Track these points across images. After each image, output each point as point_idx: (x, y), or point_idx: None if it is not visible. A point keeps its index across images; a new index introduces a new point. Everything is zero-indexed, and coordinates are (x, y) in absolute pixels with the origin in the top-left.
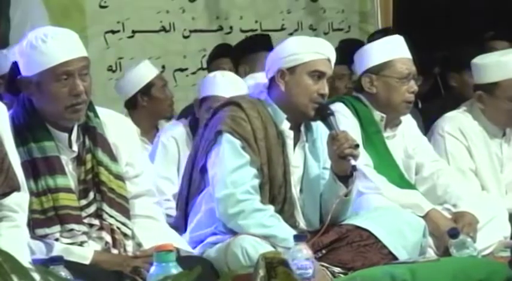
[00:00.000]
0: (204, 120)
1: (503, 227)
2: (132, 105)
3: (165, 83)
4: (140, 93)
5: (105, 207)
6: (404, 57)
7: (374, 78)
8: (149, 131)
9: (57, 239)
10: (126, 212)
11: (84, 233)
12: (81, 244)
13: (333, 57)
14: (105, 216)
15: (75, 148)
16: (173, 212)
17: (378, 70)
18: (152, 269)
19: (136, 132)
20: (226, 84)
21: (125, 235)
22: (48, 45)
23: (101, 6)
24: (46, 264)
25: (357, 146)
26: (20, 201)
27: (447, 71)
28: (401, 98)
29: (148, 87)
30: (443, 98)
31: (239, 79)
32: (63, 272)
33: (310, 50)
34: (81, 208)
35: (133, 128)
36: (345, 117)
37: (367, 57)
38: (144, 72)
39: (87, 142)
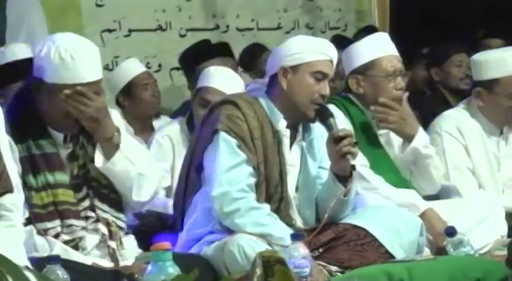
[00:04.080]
0: (196, 111)
1: (500, 226)
2: (119, 106)
3: (148, 81)
4: (121, 94)
5: (98, 203)
6: (389, 54)
7: (360, 79)
8: (143, 130)
9: (58, 234)
10: (119, 206)
11: (83, 228)
12: (80, 239)
13: (336, 58)
14: (98, 211)
15: (69, 144)
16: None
17: (363, 70)
18: (149, 268)
19: (123, 124)
20: (221, 77)
21: (121, 228)
22: (76, 63)
23: (98, 5)
24: (43, 263)
25: (356, 143)
26: (15, 201)
27: (429, 68)
28: (389, 96)
29: (128, 87)
30: (430, 96)
31: (235, 75)
32: (60, 271)
33: (314, 50)
34: (78, 202)
35: (119, 120)
36: (337, 119)
37: (352, 58)
38: (123, 73)
39: (80, 138)
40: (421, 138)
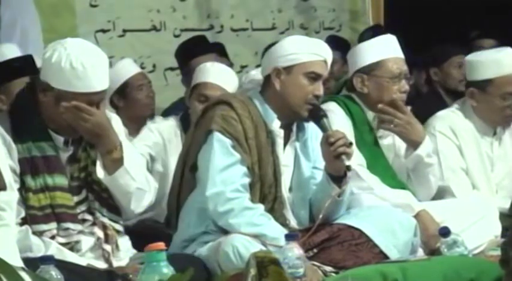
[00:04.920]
0: (195, 107)
1: (493, 226)
2: (113, 107)
3: (143, 82)
4: (116, 94)
5: (98, 206)
6: (395, 56)
7: (365, 78)
8: (137, 131)
9: (53, 236)
10: (118, 211)
11: (80, 232)
12: (75, 242)
13: (330, 58)
14: (97, 215)
15: (70, 147)
16: None
17: (369, 70)
18: (143, 268)
19: (123, 131)
20: (217, 72)
21: (118, 231)
22: (86, 73)
23: (92, 5)
24: (37, 263)
25: (351, 144)
26: (8, 199)
27: (428, 68)
28: (393, 98)
29: (123, 88)
30: (426, 95)
31: (230, 70)
32: (54, 272)
33: (307, 50)
34: (75, 205)
35: (120, 126)
36: (337, 117)
37: (359, 57)
38: (118, 73)
39: (83, 141)
40: (426, 147)
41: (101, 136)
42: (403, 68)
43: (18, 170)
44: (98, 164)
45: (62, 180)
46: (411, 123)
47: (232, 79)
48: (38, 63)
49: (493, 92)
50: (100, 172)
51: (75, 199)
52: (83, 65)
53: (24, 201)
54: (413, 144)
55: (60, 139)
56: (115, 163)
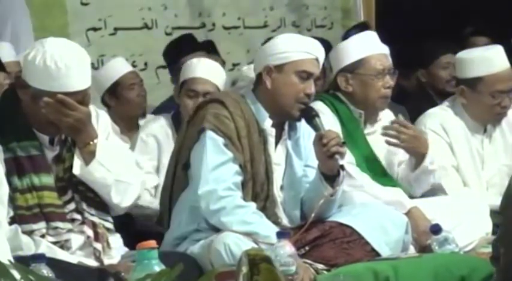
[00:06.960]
0: (184, 103)
1: (484, 223)
2: (105, 105)
3: (135, 81)
4: (107, 93)
5: (85, 206)
6: (378, 53)
7: (349, 77)
8: (129, 130)
9: (43, 235)
10: (105, 208)
11: (69, 230)
12: (65, 241)
13: (322, 57)
14: (86, 214)
15: (56, 147)
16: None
17: (352, 68)
18: (135, 266)
19: (111, 127)
20: (205, 66)
21: (108, 229)
22: (60, 72)
23: (83, 4)
24: (28, 262)
25: (344, 143)
26: None
27: (415, 68)
28: (378, 94)
29: (115, 87)
30: (415, 96)
31: (217, 64)
32: (45, 270)
33: (299, 49)
34: (63, 204)
35: (107, 122)
36: (324, 116)
37: (341, 56)
38: (110, 72)
39: (68, 141)
40: (430, 156)
41: (80, 131)
42: (386, 64)
43: (4, 171)
44: (75, 159)
45: (48, 179)
46: (416, 136)
47: (220, 73)
48: None
49: (483, 90)
50: (76, 167)
51: (63, 198)
52: (56, 64)
53: (11, 201)
54: (419, 156)
55: (45, 138)
56: (89, 156)
